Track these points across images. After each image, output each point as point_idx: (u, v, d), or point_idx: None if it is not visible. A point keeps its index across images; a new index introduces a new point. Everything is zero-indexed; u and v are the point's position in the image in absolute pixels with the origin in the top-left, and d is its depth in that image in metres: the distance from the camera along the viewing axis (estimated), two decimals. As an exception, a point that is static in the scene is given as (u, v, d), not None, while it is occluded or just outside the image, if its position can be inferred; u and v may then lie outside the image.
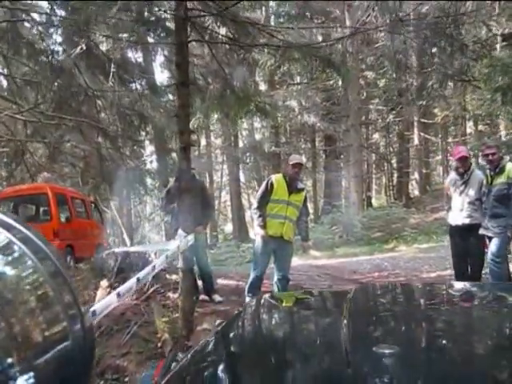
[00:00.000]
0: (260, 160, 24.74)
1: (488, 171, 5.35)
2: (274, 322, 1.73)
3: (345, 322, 1.32)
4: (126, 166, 14.72)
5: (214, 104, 8.56)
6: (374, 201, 28.65)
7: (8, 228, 0.74)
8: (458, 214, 5.64)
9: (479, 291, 1.99)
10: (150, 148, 25.44)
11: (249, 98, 7.48)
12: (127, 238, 9.53)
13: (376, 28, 5.82)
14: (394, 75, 20.02)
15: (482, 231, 5.35)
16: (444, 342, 1.27)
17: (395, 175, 27.90)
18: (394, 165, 27.83)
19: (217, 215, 33.93)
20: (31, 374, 0.66)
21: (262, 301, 2.00)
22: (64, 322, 0.74)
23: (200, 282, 6.48)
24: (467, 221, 5.54)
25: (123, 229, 10.49)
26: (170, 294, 6.41)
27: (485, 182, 5.39)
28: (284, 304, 2.00)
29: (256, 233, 5.46)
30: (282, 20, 16.83)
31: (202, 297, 6.33)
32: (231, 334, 1.59)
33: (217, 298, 6.21)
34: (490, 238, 5.31)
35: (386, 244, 13.45)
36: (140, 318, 5.53)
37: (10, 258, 0.74)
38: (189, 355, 1.39)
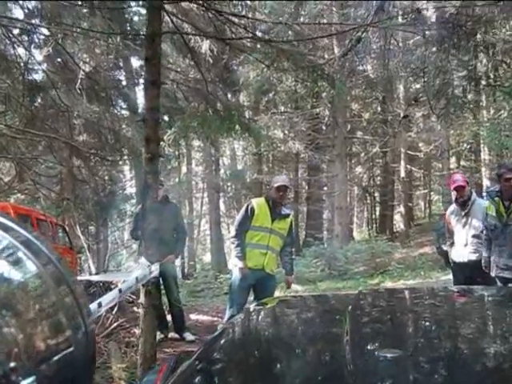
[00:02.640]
0: (241, 189, 24.18)
1: (499, 200, 4.45)
2: (277, 327, 1.69)
3: (347, 325, 1.34)
4: (101, 190, 14.04)
5: (195, 123, 7.99)
6: (355, 234, 28.17)
7: (11, 232, 0.75)
8: (463, 249, 5.01)
9: (483, 295, 2.00)
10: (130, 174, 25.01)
11: (232, 118, 6.93)
12: (92, 266, 8.75)
13: (389, 18, 5.16)
14: (380, 107, 19.86)
15: (498, 272, 4.52)
16: (447, 345, 1.27)
17: (378, 208, 27.53)
18: (377, 198, 27.50)
19: (195, 244, 33.21)
20: (34, 377, 0.66)
21: (264, 306, 2.00)
22: (68, 328, 0.74)
23: (169, 318, 5.76)
24: (473, 257, 4.90)
25: (89, 255, 9.71)
26: (136, 330, 5.67)
27: (494, 213, 4.52)
28: (285, 309, 1.95)
29: (234, 264, 4.77)
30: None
31: (172, 334, 5.60)
32: (233, 339, 1.59)
33: (188, 336, 5.47)
34: (508, 281, 4.45)
35: (370, 279, 12.78)
36: (97, 359, 4.79)
37: (14, 264, 0.74)
38: (191, 359, 1.37)
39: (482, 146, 20.31)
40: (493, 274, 4.57)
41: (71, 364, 0.72)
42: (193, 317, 6.70)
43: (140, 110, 16.53)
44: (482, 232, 4.79)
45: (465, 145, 23.75)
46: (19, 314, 0.69)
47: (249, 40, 5.22)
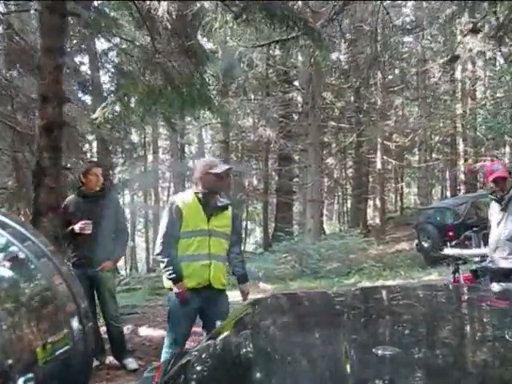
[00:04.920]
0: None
1: None
2: (275, 324, 1.67)
3: (345, 323, 1.43)
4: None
5: (150, 101, 6.84)
6: (325, 227, 27.35)
7: (8, 229, 0.83)
8: (493, 252, 4.00)
9: (480, 293, 2.03)
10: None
11: (192, 92, 5.82)
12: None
13: None
14: (354, 95, 18.95)
15: None
16: (444, 342, 1.28)
17: (349, 201, 26.77)
18: (349, 190, 26.76)
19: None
20: (31, 375, 0.72)
21: (264, 301, 2.00)
22: (65, 325, 0.80)
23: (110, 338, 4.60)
24: (504, 263, 3.89)
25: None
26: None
27: None
28: (288, 304, 1.95)
29: (168, 288, 3.42)
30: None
31: (111, 360, 4.46)
32: (232, 335, 1.57)
33: (130, 363, 4.31)
34: None
35: (346, 278, 11.82)
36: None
37: (12, 263, 0.84)
38: (188, 357, 1.39)
39: (457, 138, 19.70)
40: None
41: (69, 361, 0.77)
42: (142, 331, 5.54)
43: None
44: None
45: (437, 137, 23.22)
46: (16, 312, 0.74)
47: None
